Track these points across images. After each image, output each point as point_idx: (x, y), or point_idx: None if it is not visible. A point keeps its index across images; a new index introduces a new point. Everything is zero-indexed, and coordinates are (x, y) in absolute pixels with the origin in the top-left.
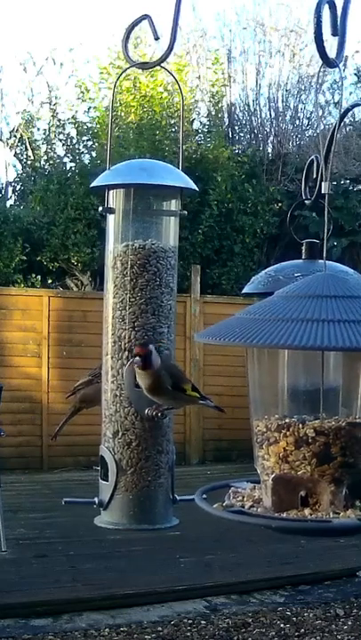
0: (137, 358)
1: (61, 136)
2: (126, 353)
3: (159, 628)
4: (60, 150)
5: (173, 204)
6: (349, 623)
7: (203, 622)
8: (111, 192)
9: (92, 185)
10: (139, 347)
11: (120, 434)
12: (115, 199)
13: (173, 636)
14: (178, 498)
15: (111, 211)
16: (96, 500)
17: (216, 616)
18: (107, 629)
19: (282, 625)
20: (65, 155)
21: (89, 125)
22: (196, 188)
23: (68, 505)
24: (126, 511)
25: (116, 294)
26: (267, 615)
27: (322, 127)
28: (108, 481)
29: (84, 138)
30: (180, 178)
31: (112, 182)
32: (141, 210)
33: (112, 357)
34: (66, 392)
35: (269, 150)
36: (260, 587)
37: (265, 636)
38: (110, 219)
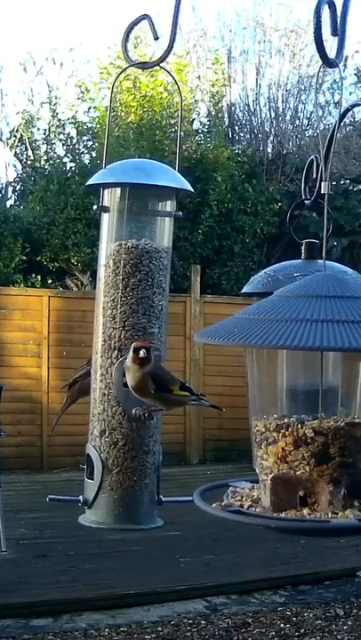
0: (143, 350)
1: (61, 136)
2: (116, 352)
3: (159, 628)
4: (60, 150)
5: (168, 205)
6: (349, 623)
7: (203, 622)
8: (106, 191)
9: (87, 183)
10: (143, 341)
11: (107, 433)
12: (110, 198)
13: (173, 636)
14: (163, 499)
15: (105, 209)
16: (81, 498)
17: (216, 616)
18: (107, 629)
19: (282, 625)
20: (65, 155)
21: (89, 125)
22: (192, 190)
23: (51, 502)
24: (111, 510)
25: (107, 293)
26: (267, 615)
27: (322, 127)
28: (93, 480)
29: (84, 138)
30: (175, 179)
31: (107, 181)
32: (136, 209)
33: (101, 356)
34: (65, 392)
35: (269, 150)
36: (260, 587)
37: (265, 635)
38: (105, 217)
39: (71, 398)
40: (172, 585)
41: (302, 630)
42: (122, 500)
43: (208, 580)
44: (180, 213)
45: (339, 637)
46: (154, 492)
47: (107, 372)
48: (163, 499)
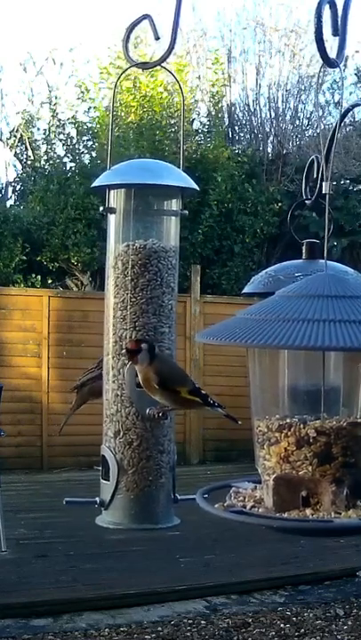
0: (123, 351)
1: (61, 136)
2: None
3: (159, 628)
4: (60, 150)
5: (174, 204)
6: (349, 623)
7: (203, 622)
8: (112, 192)
9: (92, 185)
10: (132, 342)
11: (121, 433)
12: (115, 199)
13: (173, 636)
14: (179, 497)
15: (112, 210)
16: (97, 499)
17: (216, 616)
18: (107, 629)
19: (282, 625)
20: (65, 155)
21: (89, 125)
22: (197, 188)
23: (68, 505)
24: (128, 511)
25: (117, 294)
26: (267, 615)
27: (322, 127)
28: (109, 481)
29: (84, 138)
30: (180, 178)
31: (113, 182)
32: (142, 210)
33: (113, 357)
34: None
35: (269, 150)
36: (260, 587)
37: (265, 635)
38: (111, 219)
39: (81, 400)
40: (172, 585)
41: (302, 630)
42: (138, 500)
43: (208, 580)
44: (186, 212)
45: (339, 637)
46: (170, 491)
47: (119, 372)
48: (179, 497)
